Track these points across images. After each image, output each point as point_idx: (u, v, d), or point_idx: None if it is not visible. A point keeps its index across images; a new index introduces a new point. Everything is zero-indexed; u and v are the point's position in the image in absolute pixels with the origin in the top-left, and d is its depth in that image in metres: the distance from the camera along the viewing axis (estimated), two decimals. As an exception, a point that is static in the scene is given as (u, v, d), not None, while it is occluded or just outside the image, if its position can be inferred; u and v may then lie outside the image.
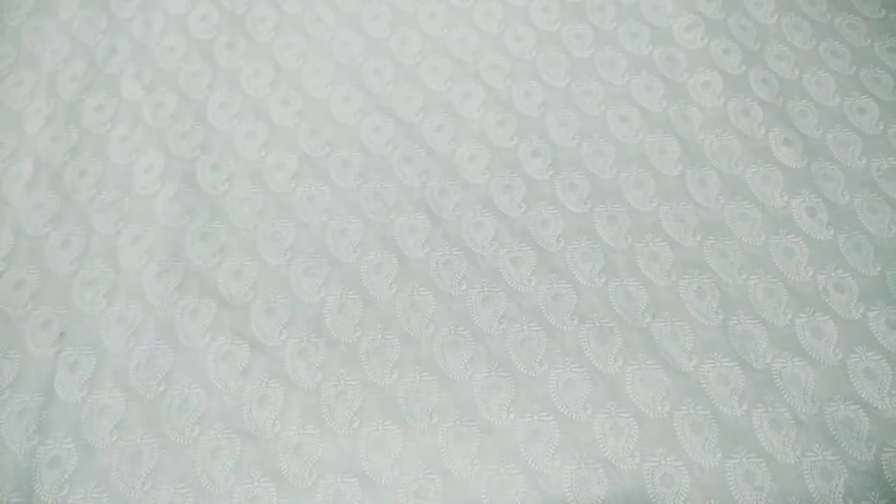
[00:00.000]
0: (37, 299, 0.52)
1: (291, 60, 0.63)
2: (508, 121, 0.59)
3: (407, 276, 0.53)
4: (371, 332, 0.50)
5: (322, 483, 0.46)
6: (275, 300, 0.52)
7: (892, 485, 0.45)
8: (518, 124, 0.59)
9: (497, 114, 0.59)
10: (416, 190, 0.56)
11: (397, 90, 0.61)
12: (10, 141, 0.59)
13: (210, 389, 0.49)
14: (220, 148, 0.58)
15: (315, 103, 0.61)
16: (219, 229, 0.55)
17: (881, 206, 0.54)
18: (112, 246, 0.54)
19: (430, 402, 0.48)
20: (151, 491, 0.46)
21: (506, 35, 0.64)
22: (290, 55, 0.63)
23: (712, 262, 0.52)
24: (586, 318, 0.51)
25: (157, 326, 0.51)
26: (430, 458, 0.46)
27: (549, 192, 0.56)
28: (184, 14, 0.65)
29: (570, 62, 0.62)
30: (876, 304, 0.50)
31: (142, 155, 0.58)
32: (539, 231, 0.54)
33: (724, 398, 0.48)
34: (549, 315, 0.51)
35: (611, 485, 0.45)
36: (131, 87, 0.62)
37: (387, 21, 0.65)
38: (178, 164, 0.57)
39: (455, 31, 0.64)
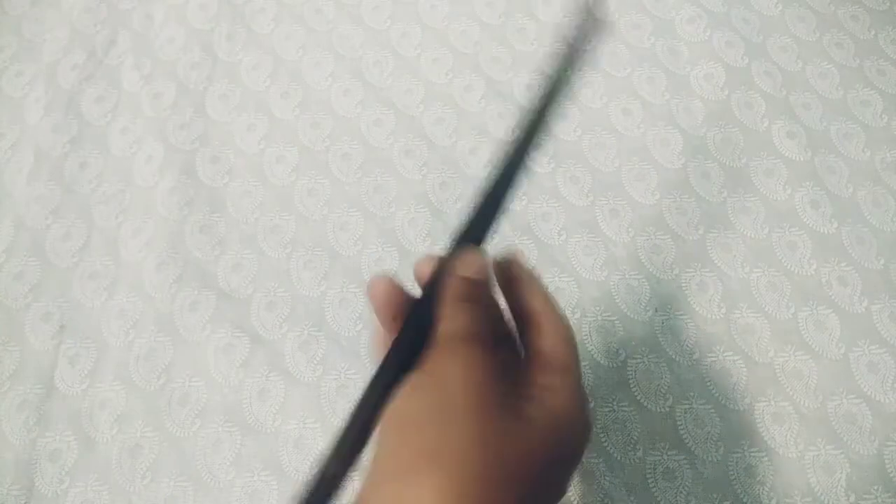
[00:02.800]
0: (37, 291, 0.52)
1: (291, 52, 0.62)
2: (509, 113, 0.59)
3: (408, 269, 0.52)
4: (372, 325, 0.50)
5: (323, 476, 0.46)
6: (275, 293, 0.52)
7: (895, 479, 0.45)
8: (519, 117, 0.59)
9: (498, 106, 0.59)
10: (417, 183, 0.56)
11: (398, 82, 0.61)
12: (12, 132, 0.59)
13: (210, 382, 0.49)
14: (220, 140, 0.58)
15: (315, 96, 0.60)
16: (218, 222, 0.55)
17: (885, 199, 0.54)
18: (113, 238, 0.54)
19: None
20: (151, 484, 0.46)
21: (507, 26, 0.63)
22: (289, 47, 0.63)
23: (714, 256, 0.52)
24: (588, 311, 0.50)
25: (156, 319, 0.51)
26: (431, 452, 0.46)
27: (551, 185, 0.56)
28: (183, 4, 0.65)
29: (571, 54, 0.62)
30: (879, 298, 0.50)
31: (142, 146, 0.58)
32: (540, 224, 0.54)
33: (727, 392, 0.48)
34: (551, 308, 0.51)
35: (613, 478, 0.45)
36: (131, 78, 0.61)
37: (387, 12, 0.64)
38: (177, 155, 0.57)
39: (456, 23, 0.64)
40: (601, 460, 0.46)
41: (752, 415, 0.47)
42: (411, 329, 0.31)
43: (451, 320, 0.29)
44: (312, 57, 0.62)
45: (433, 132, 0.58)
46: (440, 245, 0.53)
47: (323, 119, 0.59)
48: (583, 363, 0.48)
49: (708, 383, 0.48)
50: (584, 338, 0.49)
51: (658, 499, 0.45)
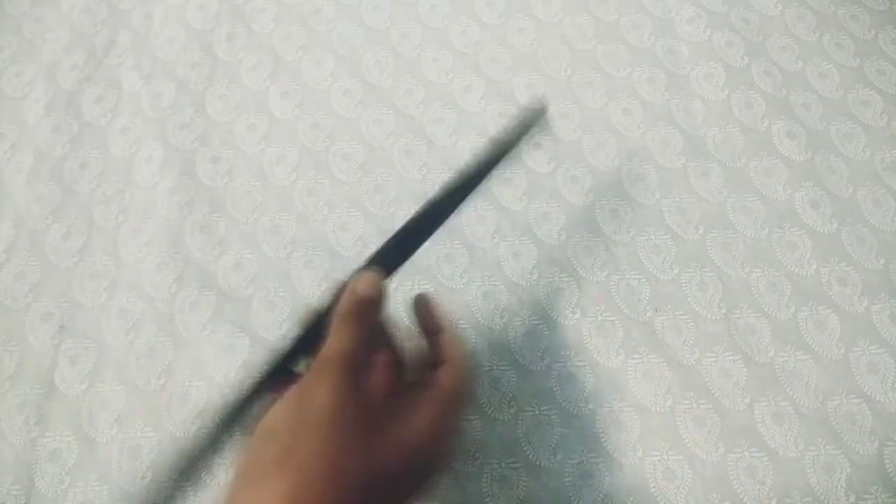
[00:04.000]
0: (37, 291, 0.52)
1: (291, 52, 0.62)
2: (510, 113, 0.59)
3: (407, 269, 0.52)
4: (372, 325, 0.50)
5: (322, 476, 0.45)
6: (275, 293, 0.52)
7: (894, 478, 0.45)
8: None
9: (498, 106, 0.59)
10: (417, 183, 0.56)
11: (398, 82, 0.61)
12: (12, 132, 0.59)
13: (210, 382, 0.49)
14: (220, 140, 0.58)
15: (315, 96, 0.60)
16: (218, 222, 0.54)
17: (885, 199, 0.54)
18: (113, 238, 0.54)
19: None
20: (151, 484, 0.46)
21: (507, 27, 0.63)
22: (289, 47, 0.63)
23: (715, 256, 0.52)
24: (588, 311, 0.50)
25: (156, 319, 0.51)
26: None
27: (551, 185, 0.56)
28: (183, 4, 0.65)
29: (571, 54, 0.62)
30: (879, 298, 0.50)
31: (142, 146, 0.58)
32: (540, 224, 0.54)
33: (727, 392, 0.48)
34: (551, 308, 0.51)
35: (612, 479, 0.45)
36: (131, 78, 0.61)
37: (387, 12, 0.64)
38: (177, 155, 0.57)
39: (456, 23, 0.64)
40: (601, 460, 0.46)
41: (752, 415, 0.47)
42: (304, 334, 0.36)
43: (330, 340, 0.33)
44: (312, 57, 0.62)
45: (433, 132, 0.58)
46: (440, 245, 0.53)
47: (323, 119, 0.59)
48: (583, 364, 0.49)
49: (708, 383, 0.48)
50: (584, 338, 0.50)
51: (658, 499, 0.45)
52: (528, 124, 0.42)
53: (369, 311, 0.35)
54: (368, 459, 0.30)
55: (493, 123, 0.58)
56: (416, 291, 0.41)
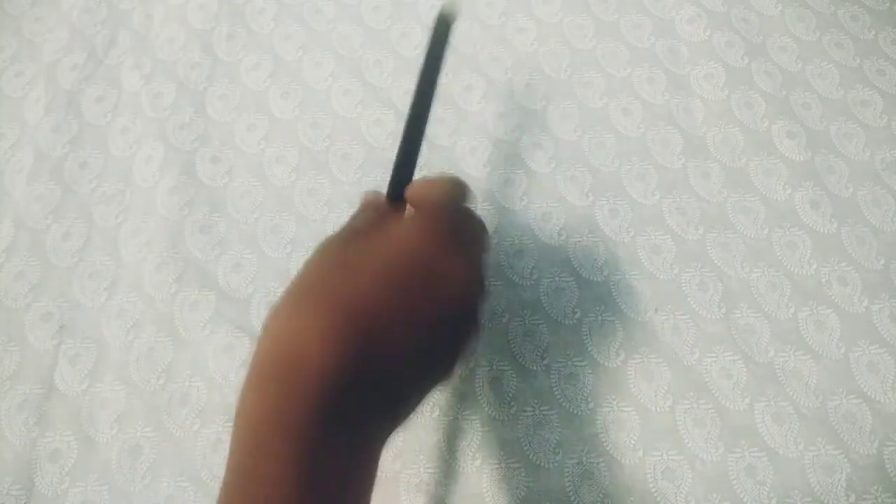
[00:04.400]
0: (37, 291, 0.52)
1: (291, 52, 0.62)
2: (509, 113, 0.59)
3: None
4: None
5: (322, 476, 0.45)
6: (275, 293, 0.52)
7: (894, 479, 0.45)
8: (519, 117, 0.59)
9: (498, 106, 0.59)
10: (417, 182, 0.56)
11: (398, 82, 0.61)
12: (12, 132, 0.59)
13: (210, 382, 0.49)
14: (220, 140, 0.58)
15: (315, 96, 0.60)
16: (218, 222, 0.54)
17: (885, 198, 0.54)
18: (113, 238, 0.54)
19: (430, 396, 0.48)
20: (151, 484, 0.46)
21: (507, 27, 0.63)
22: (289, 47, 0.63)
23: (715, 256, 0.52)
24: (588, 311, 0.50)
25: (156, 319, 0.51)
26: (431, 452, 0.46)
27: (551, 184, 0.56)
28: (183, 4, 0.65)
29: (571, 54, 0.62)
30: (879, 298, 0.50)
31: (142, 146, 0.58)
32: (540, 224, 0.54)
33: (727, 392, 0.48)
34: (551, 309, 0.51)
35: (612, 479, 0.45)
36: (131, 78, 0.61)
37: (387, 12, 0.64)
38: (177, 155, 0.57)
39: (456, 23, 0.63)
40: (601, 460, 0.46)
41: (752, 415, 0.47)
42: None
43: None
44: (312, 57, 0.62)
45: (433, 132, 0.58)
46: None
47: (323, 119, 0.59)
48: (582, 363, 0.49)
49: (708, 383, 0.48)
50: (584, 337, 0.49)
51: (658, 499, 0.45)
52: (443, 37, 0.43)
53: (369, 202, 0.41)
54: (352, 269, 0.33)
55: (493, 123, 0.58)
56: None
